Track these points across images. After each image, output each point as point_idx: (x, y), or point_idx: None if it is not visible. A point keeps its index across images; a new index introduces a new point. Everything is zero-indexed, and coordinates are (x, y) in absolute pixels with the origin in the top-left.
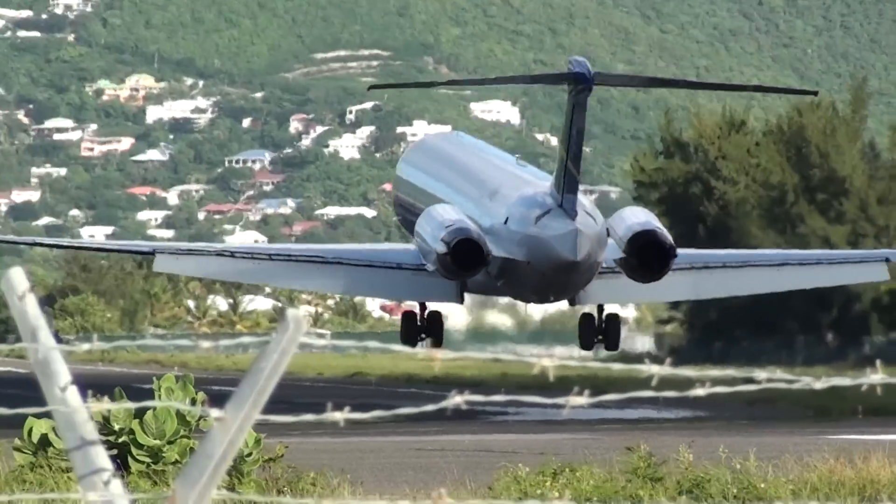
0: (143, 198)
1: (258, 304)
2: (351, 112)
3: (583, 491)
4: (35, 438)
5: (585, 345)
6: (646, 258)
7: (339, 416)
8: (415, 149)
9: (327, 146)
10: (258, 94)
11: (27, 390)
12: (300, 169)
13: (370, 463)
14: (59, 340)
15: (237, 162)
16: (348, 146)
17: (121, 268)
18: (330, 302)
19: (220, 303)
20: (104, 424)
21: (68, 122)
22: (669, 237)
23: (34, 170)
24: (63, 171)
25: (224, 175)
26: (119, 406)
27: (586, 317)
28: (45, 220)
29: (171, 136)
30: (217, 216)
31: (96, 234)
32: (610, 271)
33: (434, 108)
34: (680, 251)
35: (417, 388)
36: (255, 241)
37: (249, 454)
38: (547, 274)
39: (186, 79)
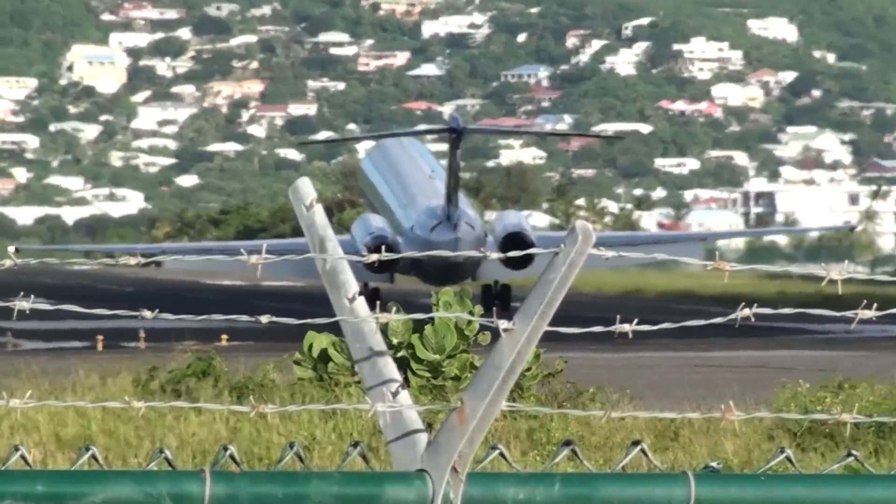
0: (418, 112)
1: (536, 220)
2: (627, 27)
3: (863, 407)
4: (315, 353)
5: (486, 307)
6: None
7: (627, 327)
8: (374, 150)
9: (604, 62)
10: (534, 10)
11: (307, 304)
12: (577, 84)
13: (648, 378)
14: None
15: (513, 77)
16: (625, 62)
17: None
18: (607, 219)
19: None
20: (383, 338)
21: (344, 37)
22: (532, 236)
23: (311, 83)
24: (340, 86)
25: (500, 90)
26: (407, 317)
27: (485, 287)
28: (322, 134)
29: (448, 51)
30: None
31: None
32: None
33: (711, 25)
34: (546, 235)
35: (696, 304)
36: (534, 159)
37: (529, 369)
38: (439, 268)
39: None
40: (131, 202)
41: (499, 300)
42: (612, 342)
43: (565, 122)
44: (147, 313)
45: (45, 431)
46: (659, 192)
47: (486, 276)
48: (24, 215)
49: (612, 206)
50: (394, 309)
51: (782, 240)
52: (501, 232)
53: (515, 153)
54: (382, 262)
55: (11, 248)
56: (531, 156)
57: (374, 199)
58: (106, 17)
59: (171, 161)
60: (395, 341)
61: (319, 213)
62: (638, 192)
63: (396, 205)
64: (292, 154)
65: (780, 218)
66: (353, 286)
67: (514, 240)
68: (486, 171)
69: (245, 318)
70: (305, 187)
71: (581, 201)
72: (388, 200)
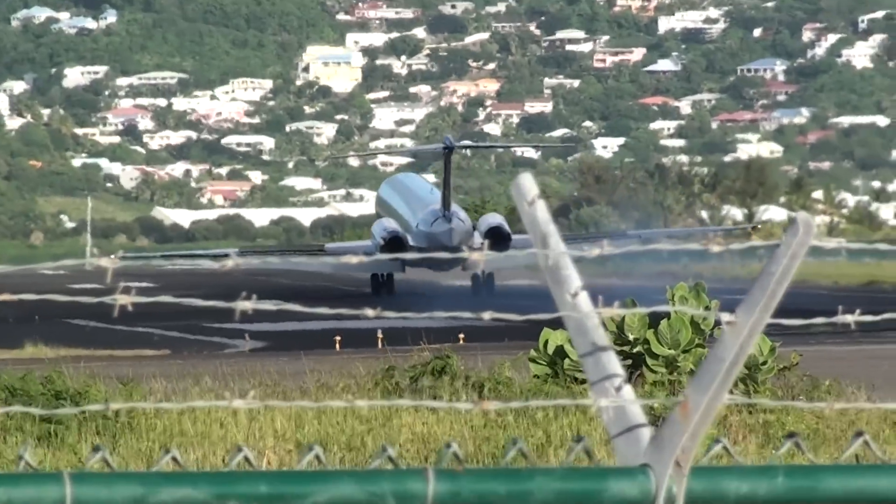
0: (654, 108)
1: (773, 213)
2: (863, 20)
3: None
4: (550, 350)
5: (475, 293)
6: (494, 243)
7: (849, 318)
8: (390, 180)
9: (840, 55)
10: (770, 3)
11: (537, 301)
12: (813, 78)
13: (885, 370)
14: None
15: (749, 71)
16: (861, 55)
17: (633, 178)
18: (844, 210)
19: (735, 213)
20: (619, 334)
21: (580, 34)
22: (508, 230)
23: (546, 81)
24: (576, 83)
25: (736, 84)
26: (632, 312)
27: (474, 275)
28: (558, 132)
29: (683, 46)
30: (729, 124)
31: (609, 145)
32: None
33: None
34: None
35: None
36: (771, 153)
37: (764, 363)
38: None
39: None
40: (368, 202)
41: (486, 286)
42: (850, 335)
43: (803, 116)
44: (369, 312)
45: (284, 432)
46: None
47: (474, 264)
48: (261, 217)
49: (850, 199)
50: (616, 304)
51: None
52: (485, 227)
53: (753, 147)
54: (395, 252)
55: (119, 253)
56: (768, 149)
57: (389, 212)
58: (341, 17)
59: (407, 160)
60: (630, 337)
61: (541, 209)
62: (875, 184)
63: (406, 210)
64: (528, 152)
65: None
66: (576, 281)
67: (495, 233)
68: (725, 165)
69: (468, 314)
70: (527, 183)
71: (818, 194)
72: (401, 210)
